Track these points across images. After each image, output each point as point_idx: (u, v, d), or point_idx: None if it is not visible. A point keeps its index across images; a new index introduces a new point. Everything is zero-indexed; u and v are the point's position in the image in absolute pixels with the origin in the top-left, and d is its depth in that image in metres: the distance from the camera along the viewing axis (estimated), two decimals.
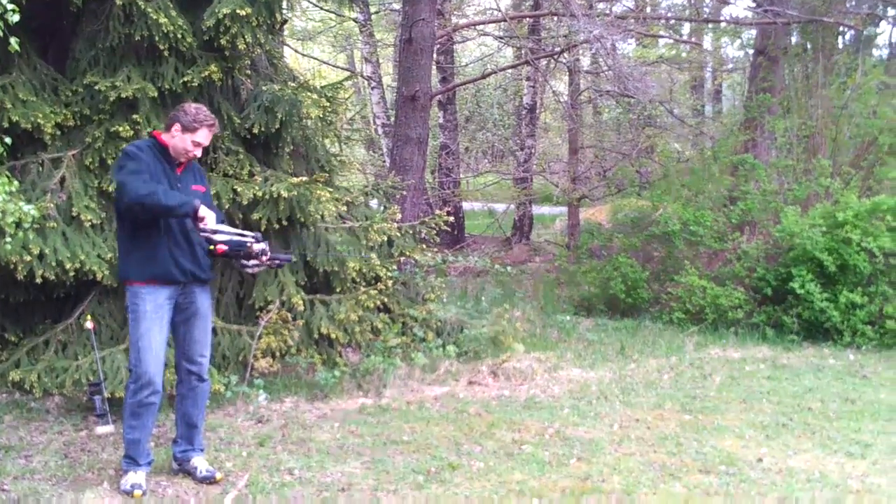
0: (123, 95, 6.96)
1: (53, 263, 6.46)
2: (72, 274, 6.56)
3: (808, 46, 14.43)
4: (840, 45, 15.51)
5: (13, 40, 5.62)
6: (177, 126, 5.02)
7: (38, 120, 6.84)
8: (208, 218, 4.91)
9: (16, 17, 5.48)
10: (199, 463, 5.23)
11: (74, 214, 6.77)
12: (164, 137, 5.07)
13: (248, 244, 5.05)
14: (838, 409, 7.24)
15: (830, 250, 10.32)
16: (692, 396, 7.55)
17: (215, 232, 5.00)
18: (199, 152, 5.12)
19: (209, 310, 5.26)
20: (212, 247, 5.01)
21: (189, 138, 5.01)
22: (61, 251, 6.52)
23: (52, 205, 6.70)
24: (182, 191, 5.02)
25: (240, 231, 5.16)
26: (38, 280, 6.46)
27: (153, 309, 4.92)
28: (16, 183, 5.66)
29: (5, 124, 6.70)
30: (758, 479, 5.43)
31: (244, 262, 5.16)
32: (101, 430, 5.99)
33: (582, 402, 7.29)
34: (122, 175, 4.85)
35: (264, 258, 5.10)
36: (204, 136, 5.07)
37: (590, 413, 6.95)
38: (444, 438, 6.15)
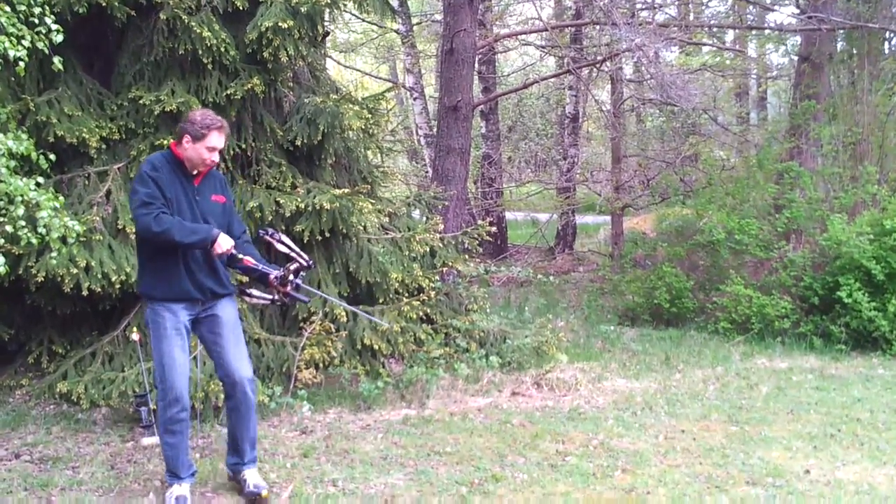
0: (168, 109, 7.04)
1: (99, 276, 6.53)
2: (117, 286, 6.63)
3: (854, 52, 14.28)
4: (886, 51, 15.30)
5: (56, 59, 5.71)
6: (186, 138, 4.92)
7: (84, 134, 6.94)
8: (225, 244, 4.87)
9: (59, 38, 5.56)
10: (250, 476, 5.16)
11: (120, 227, 6.85)
12: (178, 150, 4.98)
13: (269, 275, 5.08)
14: (887, 419, 7.12)
15: (878, 258, 10.18)
16: (738, 407, 7.47)
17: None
18: (216, 157, 5.02)
19: (234, 316, 5.17)
20: (240, 256, 5.03)
21: (202, 146, 4.92)
22: (107, 264, 6.60)
23: (97, 218, 6.78)
24: (200, 203, 4.98)
25: (293, 249, 5.17)
26: (85, 292, 6.53)
27: (173, 325, 4.90)
28: (61, 199, 5.73)
29: (51, 139, 6.80)
30: (805, 490, 5.36)
31: (250, 292, 5.22)
32: (147, 440, 6.06)
33: (626, 413, 7.24)
34: (134, 208, 4.80)
35: (281, 289, 5.11)
36: (216, 140, 4.96)
37: (634, 424, 6.90)
38: (488, 450, 6.13)
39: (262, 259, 5.21)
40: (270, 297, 5.26)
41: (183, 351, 4.92)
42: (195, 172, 5.02)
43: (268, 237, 5.13)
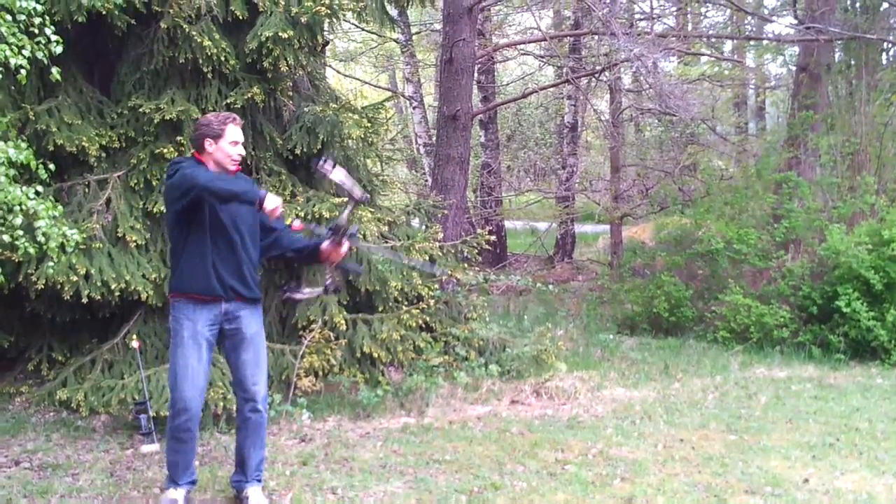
0: (167, 117, 7.05)
1: (99, 283, 6.55)
2: (117, 294, 6.65)
3: (852, 63, 14.31)
4: (884, 62, 15.35)
5: (55, 70, 5.74)
6: (208, 141, 4.93)
7: (84, 142, 6.96)
8: (276, 201, 4.82)
9: (59, 48, 5.58)
10: (252, 495, 5.09)
11: (120, 235, 6.86)
12: (203, 157, 4.97)
13: (321, 242, 5.09)
14: (886, 429, 7.13)
15: (877, 268, 10.20)
16: (737, 416, 7.48)
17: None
18: (241, 150, 5.03)
19: (259, 336, 5.11)
20: (288, 221, 5.07)
21: (224, 143, 4.94)
22: (107, 271, 6.61)
23: (97, 226, 6.80)
24: (231, 206, 4.94)
25: (347, 180, 5.02)
26: (85, 300, 6.55)
27: (191, 334, 4.88)
28: (60, 208, 5.75)
29: (51, 147, 6.82)
30: (804, 500, 5.37)
31: (298, 291, 5.19)
32: (147, 448, 6.07)
33: (625, 422, 7.25)
34: (185, 170, 4.78)
35: (336, 248, 5.07)
36: (235, 133, 4.97)
37: (633, 433, 6.90)
38: (487, 458, 6.14)
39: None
40: (322, 286, 5.22)
41: (198, 361, 4.89)
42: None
43: (321, 167, 5.04)
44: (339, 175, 4.85)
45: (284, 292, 5.42)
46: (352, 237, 5.09)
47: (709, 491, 5.49)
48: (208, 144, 4.94)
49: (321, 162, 4.87)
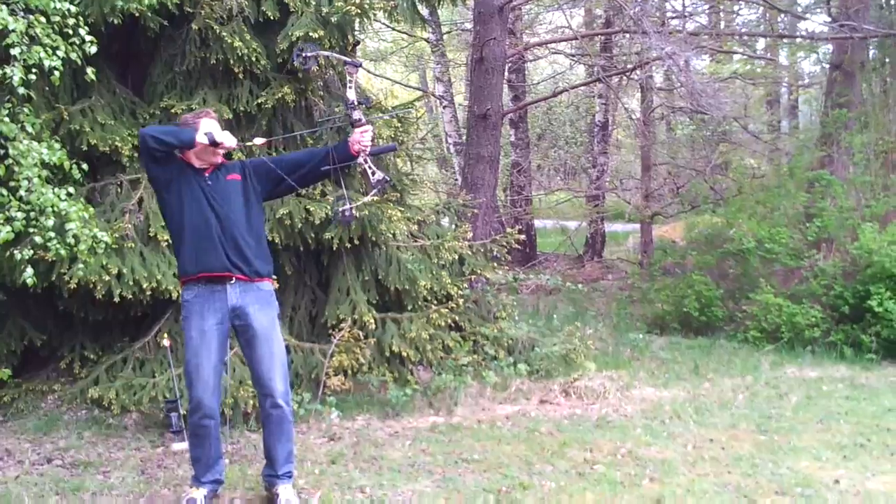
0: None
1: (131, 283, 6.59)
2: (148, 293, 6.69)
3: (886, 61, 14.20)
4: None
5: (90, 70, 5.81)
6: None
7: (116, 142, 7.01)
8: (220, 137, 4.90)
9: (94, 49, 5.64)
10: (283, 492, 5.08)
11: (151, 234, 6.91)
12: (185, 156, 5.01)
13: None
14: None
15: None
16: (768, 416, 7.43)
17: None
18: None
19: (270, 331, 5.08)
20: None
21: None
22: (138, 271, 6.66)
23: (129, 225, 6.85)
24: (213, 187, 4.99)
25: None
26: (116, 299, 6.60)
27: (199, 331, 4.91)
28: (91, 209, 5.80)
29: (84, 147, 6.88)
30: (835, 501, 5.33)
31: (345, 209, 5.16)
32: (177, 446, 6.10)
33: (655, 422, 7.22)
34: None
35: (360, 138, 5.09)
36: (208, 126, 4.95)
37: (663, 433, 6.88)
38: (516, 457, 6.14)
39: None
40: (371, 184, 5.22)
41: (208, 359, 4.92)
42: (206, 167, 5.04)
43: (343, 217, 5.11)
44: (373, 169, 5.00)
45: (342, 214, 5.27)
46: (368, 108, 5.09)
47: (739, 492, 5.46)
48: None
49: (341, 211, 5.06)
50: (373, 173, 5.18)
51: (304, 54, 5.32)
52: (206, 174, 5.03)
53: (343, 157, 5.17)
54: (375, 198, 5.34)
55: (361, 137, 5.12)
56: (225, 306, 4.96)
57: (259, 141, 5.13)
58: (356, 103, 5.12)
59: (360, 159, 5.16)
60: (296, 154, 5.27)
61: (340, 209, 5.23)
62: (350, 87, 5.16)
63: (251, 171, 5.16)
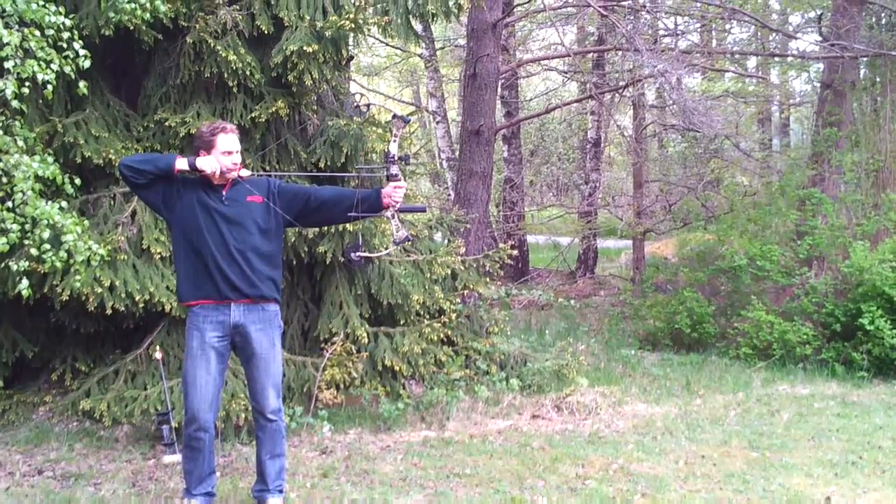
0: (193, 131, 7.09)
1: (123, 295, 6.59)
2: (141, 305, 6.69)
3: (877, 80, 14.27)
4: None
5: (82, 84, 5.82)
6: (201, 153, 5.00)
7: (110, 155, 7.01)
8: (202, 163, 4.94)
9: (87, 63, 5.65)
10: None
11: (144, 247, 6.90)
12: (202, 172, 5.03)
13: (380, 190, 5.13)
14: None
15: None
16: (759, 433, 7.44)
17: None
18: (236, 159, 5.02)
19: (270, 351, 5.08)
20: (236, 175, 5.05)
21: (216, 154, 4.97)
22: (131, 283, 6.65)
23: (122, 238, 6.84)
24: (230, 207, 4.99)
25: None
26: (109, 311, 6.59)
27: (199, 345, 4.93)
28: (85, 222, 5.80)
29: (78, 160, 6.88)
30: None
31: (358, 250, 5.16)
32: (169, 459, 6.10)
33: (647, 438, 7.23)
34: None
35: (393, 191, 5.11)
36: (226, 142, 4.98)
37: (655, 449, 6.89)
38: (507, 472, 6.14)
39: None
40: (391, 239, 5.26)
41: (206, 372, 4.94)
42: (223, 184, 5.05)
43: (356, 261, 5.17)
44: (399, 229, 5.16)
45: (354, 254, 5.25)
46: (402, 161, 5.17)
47: None
48: (202, 155, 5.01)
49: (353, 255, 5.11)
50: (397, 230, 5.23)
51: (354, 254, 5.30)
52: (224, 191, 5.05)
53: (371, 209, 5.18)
54: (393, 250, 5.39)
55: (394, 192, 5.16)
56: (227, 323, 4.99)
57: (245, 173, 5.12)
58: (396, 158, 5.14)
59: (389, 213, 5.21)
60: (324, 192, 5.19)
61: (353, 252, 5.25)
62: (394, 142, 5.20)
63: (276, 194, 5.15)
